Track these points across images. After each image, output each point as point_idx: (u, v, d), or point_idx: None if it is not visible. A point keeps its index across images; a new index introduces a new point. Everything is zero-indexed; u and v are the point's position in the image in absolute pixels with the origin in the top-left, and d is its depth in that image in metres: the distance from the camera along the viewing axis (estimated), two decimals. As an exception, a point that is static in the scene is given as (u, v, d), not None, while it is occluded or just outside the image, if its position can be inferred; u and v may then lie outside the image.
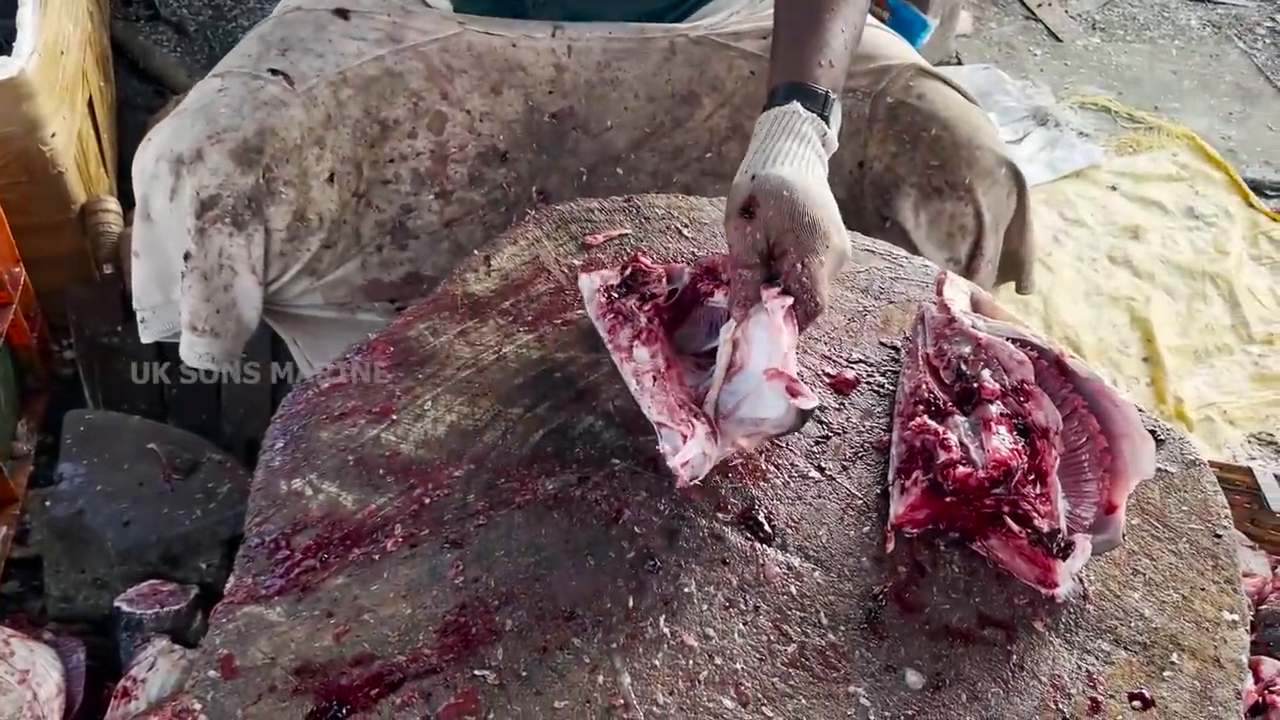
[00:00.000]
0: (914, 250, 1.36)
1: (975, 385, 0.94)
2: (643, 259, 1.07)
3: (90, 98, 1.97)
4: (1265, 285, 2.34)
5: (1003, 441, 0.89)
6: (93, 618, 1.33)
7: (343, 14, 1.29)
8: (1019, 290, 1.51)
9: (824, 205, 0.97)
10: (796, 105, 1.06)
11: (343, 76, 1.25)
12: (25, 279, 1.66)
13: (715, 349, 0.97)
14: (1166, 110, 2.83)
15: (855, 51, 1.18)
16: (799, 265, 0.94)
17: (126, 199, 1.89)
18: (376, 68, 1.27)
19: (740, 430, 0.94)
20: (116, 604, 1.29)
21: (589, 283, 1.07)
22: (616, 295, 1.04)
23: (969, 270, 1.40)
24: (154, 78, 2.50)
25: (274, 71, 1.22)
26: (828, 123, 1.07)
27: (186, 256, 1.21)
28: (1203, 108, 2.87)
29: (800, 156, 1.02)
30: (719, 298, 1.03)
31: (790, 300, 0.94)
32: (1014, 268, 1.46)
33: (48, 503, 1.41)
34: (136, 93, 2.45)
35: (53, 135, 1.68)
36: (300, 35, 1.27)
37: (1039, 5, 3.15)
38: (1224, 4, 3.26)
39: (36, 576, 1.45)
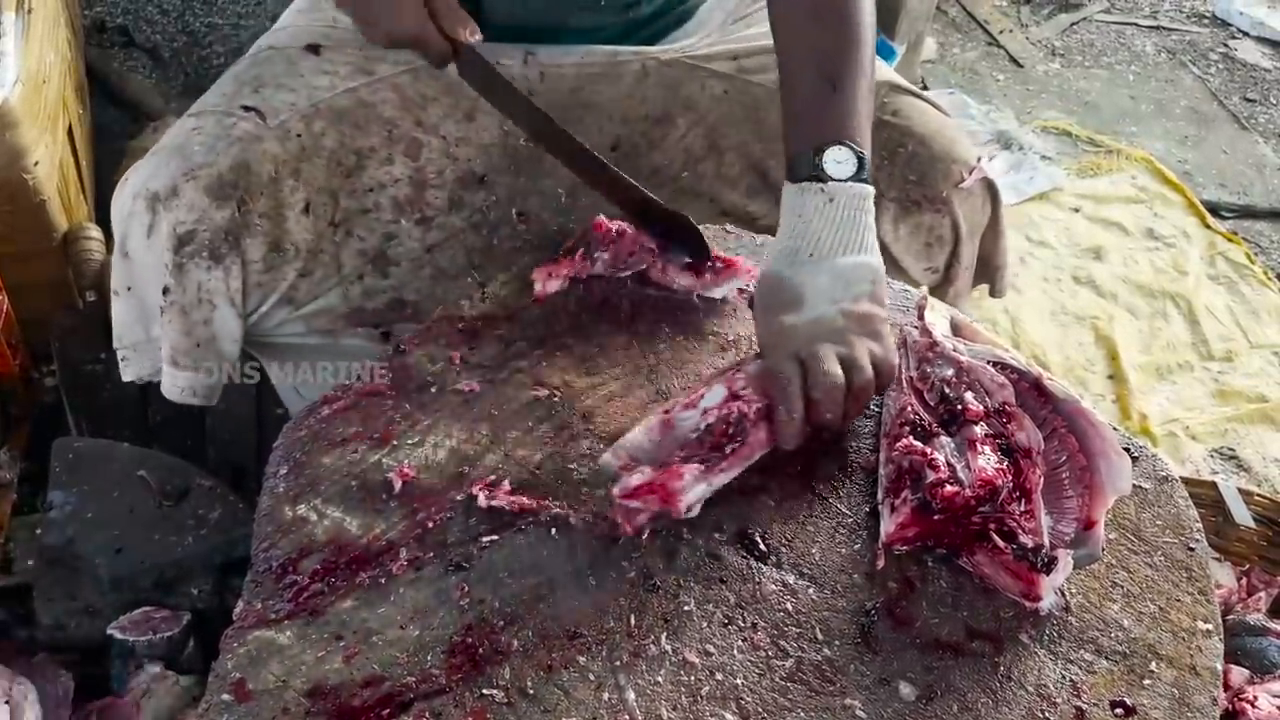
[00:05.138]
0: (893, 261, 1.40)
1: (959, 407, 0.98)
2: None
3: (70, 126, 1.97)
4: (1223, 304, 2.41)
5: (988, 461, 0.92)
6: (85, 645, 1.33)
7: (314, 50, 1.31)
8: (993, 293, 1.56)
9: (878, 365, 1.00)
10: (862, 187, 1.03)
11: (315, 108, 1.27)
12: (7, 307, 1.66)
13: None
14: (1125, 134, 2.91)
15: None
16: (829, 420, 0.98)
17: (105, 226, 1.90)
18: (349, 99, 1.29)
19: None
20: (109, 631, 1.29)
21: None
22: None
23: (946, 278, 1.44)
24: (129, 104, 2.50)
25: (246, 108, 1.25)
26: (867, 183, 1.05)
27: (165, 291, 1.23)
28: (1160, 131, 2.95)
29: (861, 281, 1.02)
30: None
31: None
32: (988, 273, 1.51)
33: (38, 531, 1.41)
34: (112, 120, 2.45)
35: (35, 164, 1.68)
36: (273, 72, 1.29)
37: (1001, 32, 3.23)
38: (1178, 31, 3.36)
39: (22, 605, 1.44)
